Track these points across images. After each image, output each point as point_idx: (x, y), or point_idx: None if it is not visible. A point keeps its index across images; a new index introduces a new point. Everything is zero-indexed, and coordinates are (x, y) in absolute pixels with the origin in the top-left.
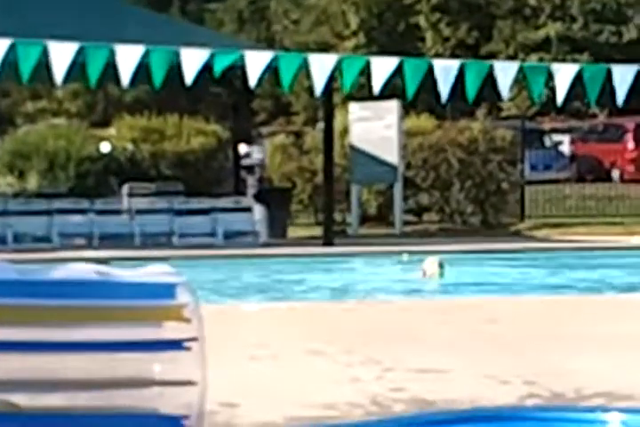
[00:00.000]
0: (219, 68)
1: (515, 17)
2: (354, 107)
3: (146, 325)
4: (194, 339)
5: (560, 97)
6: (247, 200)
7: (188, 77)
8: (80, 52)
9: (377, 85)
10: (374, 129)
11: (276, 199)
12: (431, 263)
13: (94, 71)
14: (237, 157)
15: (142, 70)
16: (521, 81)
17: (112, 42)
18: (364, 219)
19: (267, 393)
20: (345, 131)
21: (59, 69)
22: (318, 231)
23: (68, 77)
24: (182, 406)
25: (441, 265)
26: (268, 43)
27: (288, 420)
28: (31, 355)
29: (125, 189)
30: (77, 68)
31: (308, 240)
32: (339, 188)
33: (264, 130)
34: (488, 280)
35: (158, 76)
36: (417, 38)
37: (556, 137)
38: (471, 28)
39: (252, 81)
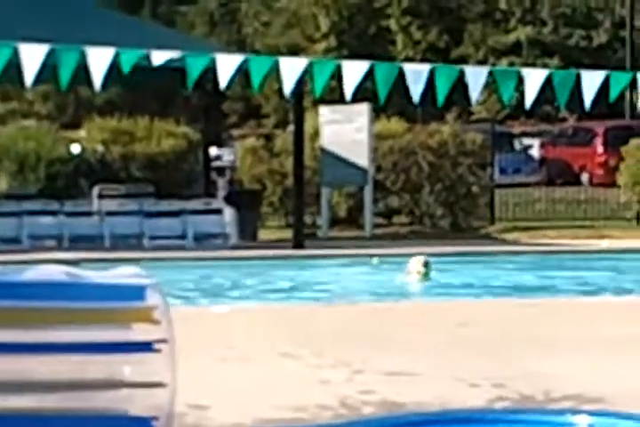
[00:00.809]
0: (193, 74)
1: (485, 21)
2: (324, 110)
3: (115, 326)
4: (163, 341)
5: (529, 101)
6: (217, 202)
7: (159, 80)
8: (51, 54)
9: (349, 89)
10: (345, 132)
11: (246, 202)
12: (417, 263)
13: (65, 73)
14: (208, 159)
15: (113, 72)
16: (491, 85)
17: (83, 44)
18: (335, 221)
19: (236, 395)
20: (315, 134)
21: (29, 71)
22: (288, 234)
23: (39, 79)
24: (152, 408)
25: (426, 265)
26: (239, 45)
27: (257, 422)
28: (1, 356)
29: (95, 190)
30: (48, 70)
31: (279, 243)
32: (309, 190)
33: (235, 132)
34: (459, 283)
35: (128, 76)
36: (388, 41)
37: (526, 141)
38: (442, 32)
39: (223, 83)
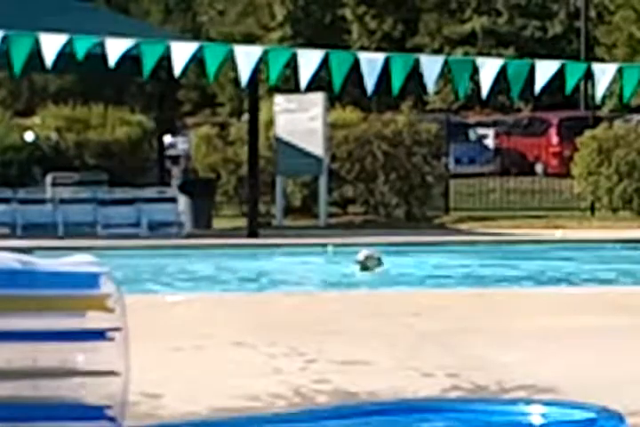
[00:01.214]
0: (149, 63)
1: (440, 11)
2: (279, 99)
3: (69, 314)
4: (117, 329)
5: (485, 91)
6: (172, 191)
7: (112, 65)
8: (4, 40)
9: (304, 78)
10: (299, 121)
11: (200, 190)
12: (362, 255)
13: (18, 60)
14: (162, 147)
15: (66, 58)
16: (446, 75)
17: (37, 30)
18: (289, 210)
19: (190, 384)
20: (270, 122)
21: None
22: (243, 222)
23: None
24: (105, 397)
25: (379, 260)
26: (194, 33)
27: (211, 411)
28: None
29: (49, 178)
30: (1, 57)
31: (233, 231)
32: (264, 179)
33: (189, 121)
34: (412, 273)
35: (82, 63)
36: (343, 31)
37: (481, 131)
38: (397, 22)
39: (177, 71)
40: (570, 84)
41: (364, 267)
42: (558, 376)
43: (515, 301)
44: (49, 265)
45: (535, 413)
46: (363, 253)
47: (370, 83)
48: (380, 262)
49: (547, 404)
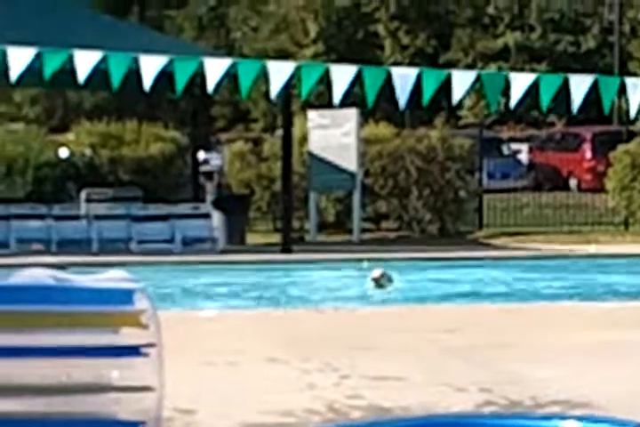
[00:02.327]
0: (182, 79)
1: (474, 26)
2: (312, 114)
3: (103, 331)
4: (151, 345)
5: (514, 105)
6: (205, 207)
7: (147, 83)
8: (38, 56)
9: (337, 94)
10: (333, 136)
11: (234, 206)
12: (379, 274)
13: (49, 72)
14: (196, 163)
15: (101, 75)
16: (479, 90)
17: (70, 47)
18: (323, 226)
19: (224, 400)
20: (304, 138)
21: (15, 72)
22: (276, 238)
23: (27, 82)
24: (139, 412)
25: (389, 279)
26: (228, 50)
27: (245, 426)
28: None
29: (83, 194)
30: (36, 73)
31: (267, 247)
32: (297, 195)
33: (223, 136)
34: (446, 288)
35: (116, 80)
36: (376, 46)
37: (514, 146)
38: (430, 37)
39: (211, 87)
40: (607, 100)
41: (379, 285)
42: (593, 391)
43: (549, 316)
44: (83, 281)
45: None
46: (378, 272)
47: (402, 98)
48: (391, 280)
49: (581, 419)
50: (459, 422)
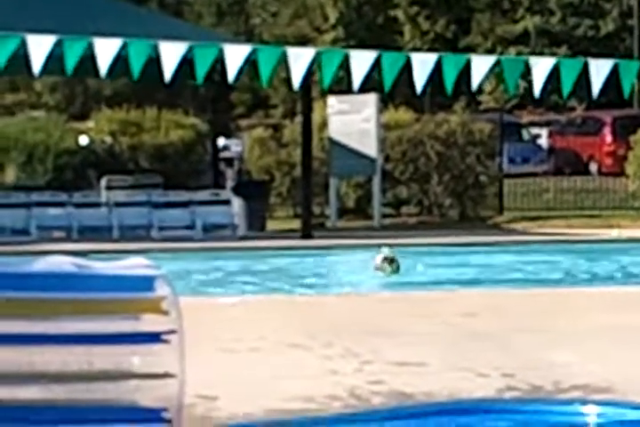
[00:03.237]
0: (203, 66)
1: (493, 10)
2: (332, 100)
3: (124, 317)
4: (172, 331)
5: (537, 90)
6: (226, 193)
7: (167, 71)
8: (58, 44)
9: (357, 79)
10: (353, 122)
11: (254, 192)
12: (379, 258)
13: (71, 62)
14: (216, 149)
15: (121, 63)
16: (499, 74)
17: (90, 35)
18: (343, 212)
19: (245, 386)
20: (323, 124)
21: (36, 61)
22: (297, 224)
23: (47, 70)
24: (161, 399)
25: (392, 260)
26: (247, 36)
27: (266, 412)
28: (8, 347)
29: (104, 181)
30: (56, 61)
31: (287, 233)
32: (317, 181)
33: (243, 123)
34: (466, 273)
35: (136, 67)
36: (395, 32)
37: (534, 130)
38: (449, 22)
39: (231, 75)
40: (627, 84)
41: (384, 269)
42: (615, 376)
43: (570, 300)
44: (104, 268)
45: (591, 413)
46: (379, 257)
47: (419, 83)
48: (394, 261)
49: (603, 404)
50: (481, 407)
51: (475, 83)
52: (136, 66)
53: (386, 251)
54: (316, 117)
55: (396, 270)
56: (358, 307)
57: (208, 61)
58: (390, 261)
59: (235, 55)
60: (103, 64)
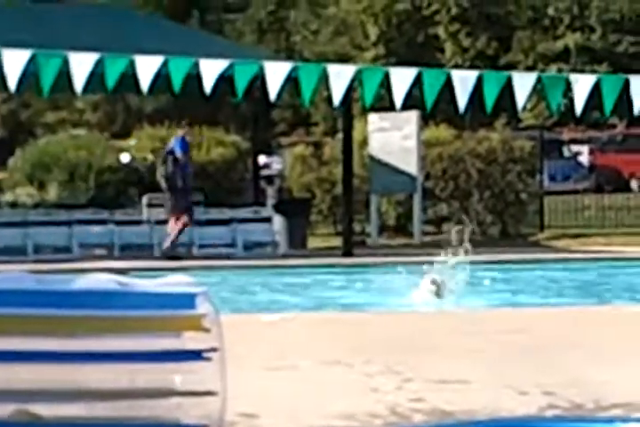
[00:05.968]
0: (241, 83)
1: (534, 27)
2: (373, 117)
3: (166, 335)
4: (214, 349)
5: (578, 107)
6: (267, 211)
7: (207, 87)
8: (100, 62)
9: (398, 97)
10: (393, 139)
11: (295, 210)
12: (427, 281)
13: (112, 79)
14: (257, 167)
15: (162, 79)
16: (539, 91)
17: (131, 53)
18: (384, 229)
19: (286, 403)
20: (364, 141)
21: (78, 79)
22: (337, 242)
23: (88, 88)
24: (203, 417)
25: (436, 283)
26: (288, 53)
27: None
28: (52, 365)
29: (145, 199)
30: (98, 79)
31: (328, 251)
32: (358, 198)
33: (284, 140)
34: (507, 290)
35: (177, 83)
36: (436, 49)
37: (575, 147)
38: (490, 39)
39: (273, 93)
40: None
41: (437, 293)
42: None
43: (613, 318)
44: (146, 286)
45: None
46: (427, 281)
47: (462, 100)
48: (440, 285)
49: None
50: (521, 426)
51: (518, 100)
52: (177, 82)
53: (433, 275)
54: (356, 135)
55: (442, 295)
56: (399, 325)
57: (247, 78)
58: (437, 285)
59: (275, 72)
60: (144, 81)
